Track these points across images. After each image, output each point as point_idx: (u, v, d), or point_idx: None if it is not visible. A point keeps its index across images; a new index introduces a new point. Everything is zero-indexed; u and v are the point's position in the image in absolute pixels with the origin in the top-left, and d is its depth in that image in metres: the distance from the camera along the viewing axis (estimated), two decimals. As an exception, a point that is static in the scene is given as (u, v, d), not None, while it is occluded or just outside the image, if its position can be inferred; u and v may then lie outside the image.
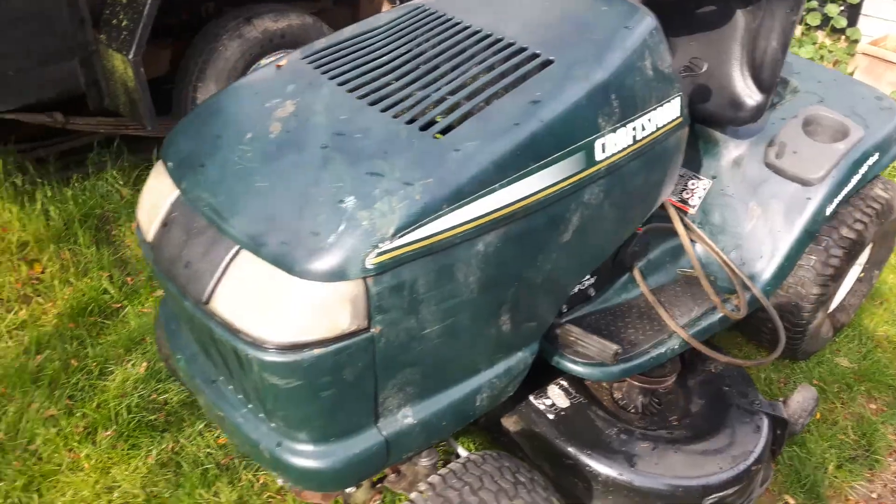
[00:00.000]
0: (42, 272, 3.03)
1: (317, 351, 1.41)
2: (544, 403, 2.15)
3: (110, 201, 3.39)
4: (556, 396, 2.19)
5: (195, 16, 3.45)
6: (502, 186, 1.50)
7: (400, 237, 1.39)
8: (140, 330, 2.74)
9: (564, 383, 2.21)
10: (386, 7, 3.85)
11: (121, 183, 3.47)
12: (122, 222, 3.32)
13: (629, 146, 1.75)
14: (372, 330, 1.44)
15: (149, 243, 1.65)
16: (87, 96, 3.15)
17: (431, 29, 1.84)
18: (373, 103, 1.63)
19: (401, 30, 1.88)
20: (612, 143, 1.70)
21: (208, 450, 2.30)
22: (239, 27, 3.26)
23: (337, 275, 1.38)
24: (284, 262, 1.39)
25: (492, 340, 1.70)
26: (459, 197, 1.45)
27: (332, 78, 1.72)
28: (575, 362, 1.96)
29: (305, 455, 1.56)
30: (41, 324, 2.77)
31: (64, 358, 2.60)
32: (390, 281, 1.42)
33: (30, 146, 3.53)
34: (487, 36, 1.77)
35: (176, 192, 1.61)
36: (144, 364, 2.59)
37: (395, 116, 1.58)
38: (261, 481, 2.22)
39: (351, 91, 1.67)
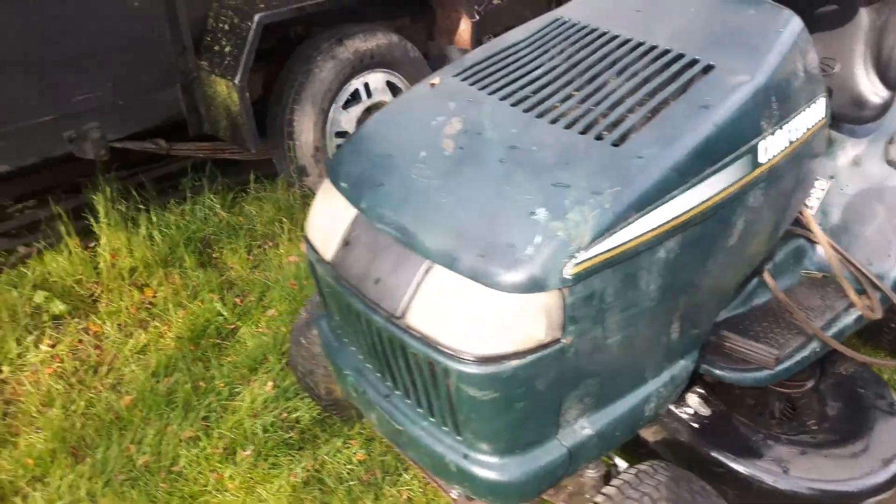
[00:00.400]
0: (154, 296, 3.09)
1: (515, 362, 1.43)
2: (686, 412, 2.13)
3: (209, 224, 3.46)
4: (697, 405, 2.18)
5: (284, 39, 3.52)
6: (682, 192, 1.51)
7: (594, 246, 1.41)
8: (259, 350, 2.78)
9: (702, 391, 2.20)
10: (465, 23, 3.89)
11: (218, 206, 3.54)
12: (223, 244, 3.38)
13: (785, 148, 1.75)
14: (563, 341, 1.45)
15: (328, 262, 1.68)
16: (187, 122, 3.23)
17: (579, 40, 1.87)
18: (540, 116, 1.65)
19: (547, 42, 1.90)
20: (773, 146, 1.70)
21: (349, 466, 2.32)
22: (332, 48, 3.32)
23: (536, 286, 1.40)
24: (482, 276, 1.41)
25: (662, 348, 1.71)
26: (645, 204, 1.46)
27: (492, 93, 1.74)
28: (730, 369, 1.95)
29: (492, 467, 1.57)
30: (161, 347, 2.83)
31: (192, 380, 2.65)
32: (583, 291, 1.43)
33: (128, 173, 3.62)
34: (640, 44, 1.79)
35: (354, 212, 1.65)
36: (270, 383, 2.63)
37: (566, 128, 1.60)
38: (405, 496, 2.24)
39: (515, 105, 1.69)
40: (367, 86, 3.54)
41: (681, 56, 1.73)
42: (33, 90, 2.71)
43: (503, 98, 1.73)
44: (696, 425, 2.08)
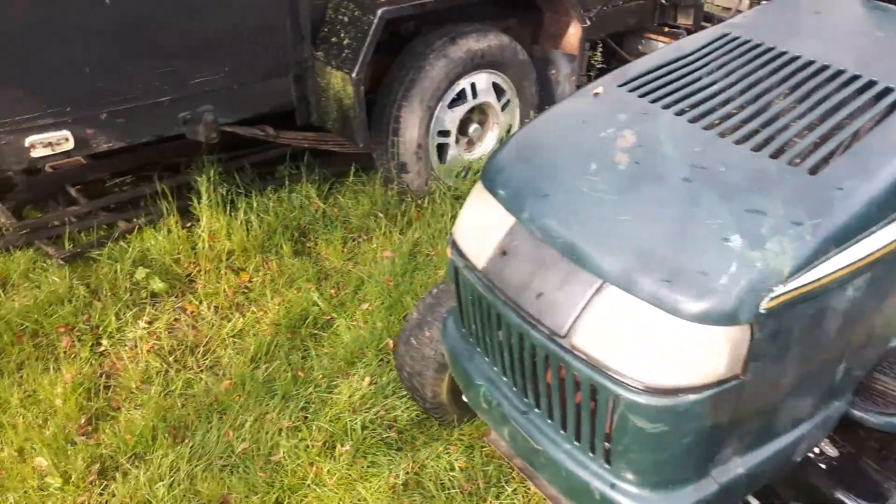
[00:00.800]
0: (250, 281, 3.08)
1: (691, 397, 1.34)
2: (813, 451, 2.03)
3: (305, 213, 3.44)
4: (825, 444, 2.07)
5: (394, 35, 3.48)
6: (881, 227, 1.41)
7: (792, 280, 1.32)
8: (356, 344, 2.74)
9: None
10: (574, 28, 3.81)
11: (314, 195, 3.51)
12: (319, 235, 3.35)
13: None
14: (742, 378, 1.37)
15: (479, 270, 1.62)
16: (296, 111, 3.21)
17: (756, 58, 1.77)
18: (722, 135, 1.56)
19: (720, 58, 1.81)
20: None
21: (451, 473, 2.26)
22: (445, 46, 3.27)
23: (727, 318, 1.31)
24: (665, 302, 1.33)
25: (825, 388, 1.60)
26: (845, 238, 1.37)
27: (666, 107, 1.66)
28: (875, 412, 1.83)
29: (641, 500, 1.49)
30: (257, 332, 2.81)
31: (291, 369, 2.62)
32: (772, 326, 1.34)
33: (228, 156, 3.62)
34: (825, 67, 1.69)
35: (511, 221, 1.58)
36: (367, 379, 2.59)
37: (754, 150, 1.51)
38: (509, 512, 2.17)
39: (693, 122, 1.61)
40: (473, 86, 3.48)
41: (873, 83, 1.62)
42: (154, 72, 2.72)
43: (679, 113, 1.64)
44: (823, 466, 1.97)
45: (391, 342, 2.74)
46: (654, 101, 1.69)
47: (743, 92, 1.68)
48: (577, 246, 1.45)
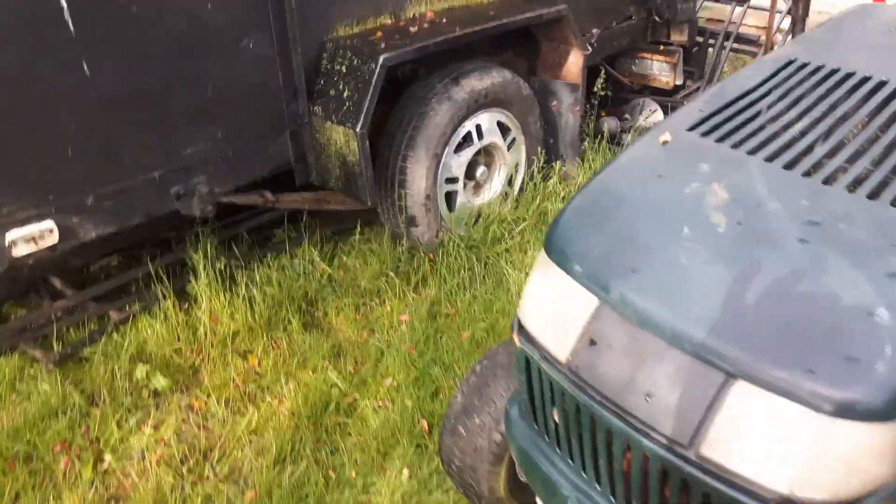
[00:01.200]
0: (259, 364, 2.79)
1: (855, 512, 1.09)
2: None
3: (311, 280, 3.17)
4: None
5: (390, 80, 3.25)
6: None
7: (962, 361, 1.07)
8: (386, 429, 2.46)
9: None
10: (574, 56, 3.60)
11: (318, 258, 3.25)
12: (328, 303, 3.08)
13: None
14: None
15: (562, 363, 1.36)
16: (294, 171, 2.96)
17: (835, 87, 1.55)
18: (827, 182, 1.33)
19: (793, 88, 1.59)
20: None
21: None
22: (447, 88, 3.04)
23: (887, 412, 1.06)
24: (810, 398, 1.08)
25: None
26: None
27: (752, 153, 1.43)
28: None
29: None
30: (276, 426, 2.52)
31: (320, 470, 2.33)
32: (944, 417, 1.10)
33: (219, 225, 3.34)
34: None
35: (595, 302, 1.33)
36: (406, 472, 2.30)
37: (869, 197, 1.28)
38: None
39: (788, 168, 1.37)
40: (478, 127, 3.25)
41: None
42: (141, 146, 2.45)
43: (769, 159, 1.40)
44: None
45: (426, 424, 2.46)
46: (735, 147, 1.46)
47: (833, 128, 1.45)
48: (689, 334, 1.19)
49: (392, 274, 3.17)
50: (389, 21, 3.02)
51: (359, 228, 3.33)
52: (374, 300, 3.14)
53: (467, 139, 3.23)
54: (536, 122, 3.54)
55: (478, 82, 3.13)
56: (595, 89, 3.97)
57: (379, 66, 2.65)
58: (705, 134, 1.51)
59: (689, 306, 1.22)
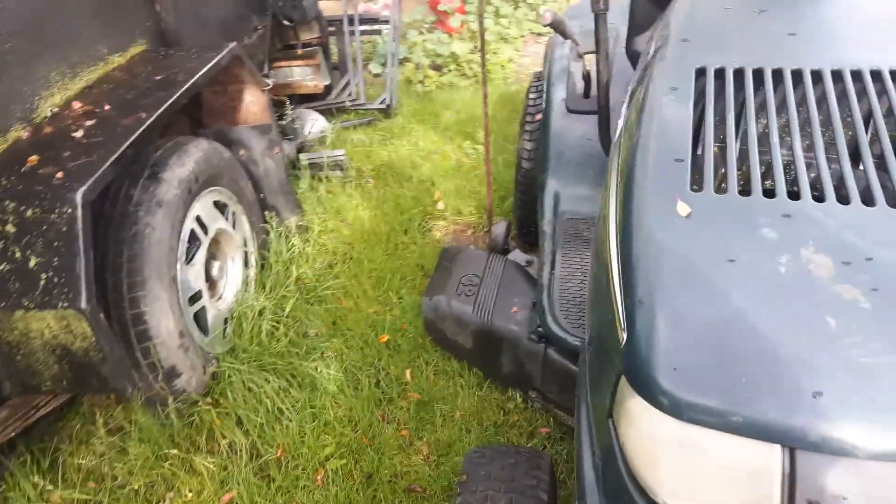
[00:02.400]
0: None
1: None
2: None
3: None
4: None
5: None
6: None
7: None
8: None
9: None
10: (252, 95, 2.96)
11: (42, 481, 2.19)
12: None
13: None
14: None
15: None
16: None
17: (779, 91, 1.39)
18: (892, 204, 1.17)
19: (742, 105, 1.38)
20: None
21: None
22: (151, 191, 2.20)
23: None
24: None
25: None
26: None
27: (795, 198, 1.19)
28: None
29: None
30: None
31: None
32: None
33: None
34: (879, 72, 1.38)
35: (778, 453, 0.98)
36: None
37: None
38: None
39: (844, 203, 1.18)
40: (199, 219, 2.48)
41: None
42: None
43: (818, 199, 1.19)
44: None
45: None
46: (769, 195, 1.21)
47: (831, 138, 1.30)
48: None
49: (175, 451, 2.31)
50: (27, 133, 2.04)
51: (99, 419, 2.33)
52: (169, 494, 2.26)
53: (193, 240, 2.45)
54: (247, 183, 2.87)
55: (181, 169, 2.34)
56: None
57: (80, 207, 1.74)
58: (720, 191, 1.23)
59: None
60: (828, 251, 1.11)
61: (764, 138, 1.33)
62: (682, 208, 1.20)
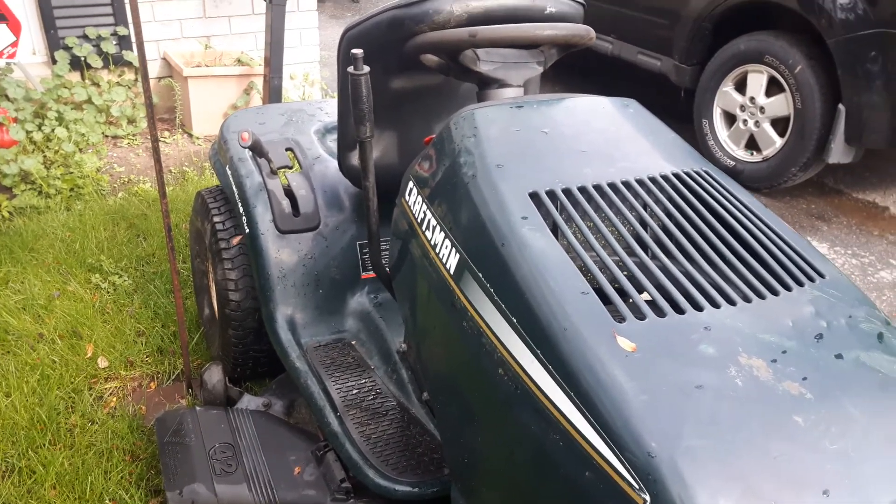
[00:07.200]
0: None
1: None
2: None
3: None
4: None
5: None
6: None
7: None
8: None
9: None
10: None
11: None
12: None
13: None
14: None
15: None
16: None
17: (615, 205, 1.48)
18: (775, 293, 1.35)
19: (591, 227, 1.43)
20: None
21: None
22: None
23: None
24: None
25: None
26: None
27: (700, 309, 1.28)
28: None
29: None
30: None
31: None
32: None
33: None
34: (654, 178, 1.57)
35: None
36: None
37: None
38: None
39: (733, 304, 1.31)
40: None
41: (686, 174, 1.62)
42: None
43: (716, 305, 1.30)
44: None
45: None
46: (681, 312, 1.27)
47: (683, 241, 1.44)
48: None
49: None
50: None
51: None
52: None
53: None
54: None
55: None
56: None
57: None
58: (640, 317, 1.26)
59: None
60: (755, 353, 1.22)
61: (630, 253, 1.40)
62: (625, 343, 1.20)
